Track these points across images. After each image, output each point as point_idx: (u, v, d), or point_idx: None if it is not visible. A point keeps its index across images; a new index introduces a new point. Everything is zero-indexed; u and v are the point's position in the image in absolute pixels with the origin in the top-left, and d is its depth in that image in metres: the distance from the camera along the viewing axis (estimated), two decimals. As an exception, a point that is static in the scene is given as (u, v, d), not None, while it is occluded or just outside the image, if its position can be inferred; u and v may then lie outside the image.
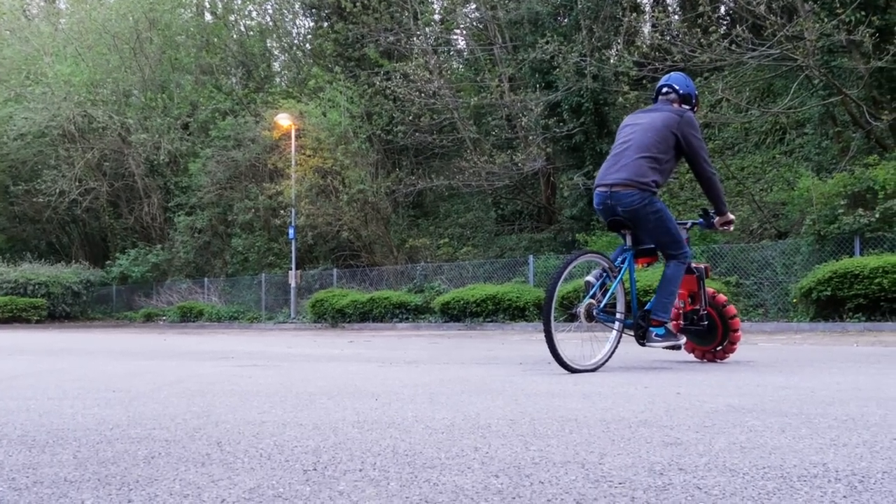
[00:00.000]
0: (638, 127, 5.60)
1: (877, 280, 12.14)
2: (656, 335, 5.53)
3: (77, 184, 31.17)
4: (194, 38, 32.91)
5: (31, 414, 3.37)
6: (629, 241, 5.74)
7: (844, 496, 1.78)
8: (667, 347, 5.59)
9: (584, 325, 5.32)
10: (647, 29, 24.02)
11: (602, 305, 5.42)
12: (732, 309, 6.07)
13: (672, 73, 6.00)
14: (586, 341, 5.41)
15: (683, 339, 5.65)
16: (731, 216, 6.07)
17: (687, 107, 5.79)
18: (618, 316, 5.66)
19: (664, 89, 5.82)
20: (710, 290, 6.06)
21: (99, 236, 36.70)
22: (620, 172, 5.49)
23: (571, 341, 5.29)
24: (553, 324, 5.17)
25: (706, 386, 4.30)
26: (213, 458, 2.32)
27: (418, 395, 4.00)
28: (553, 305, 5.25)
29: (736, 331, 6.06)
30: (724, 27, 19.91)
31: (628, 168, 5.46)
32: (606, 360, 5.57)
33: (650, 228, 5.57)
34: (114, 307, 32.48)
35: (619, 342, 5.68)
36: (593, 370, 5.36)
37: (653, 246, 5.73)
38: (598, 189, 5.63)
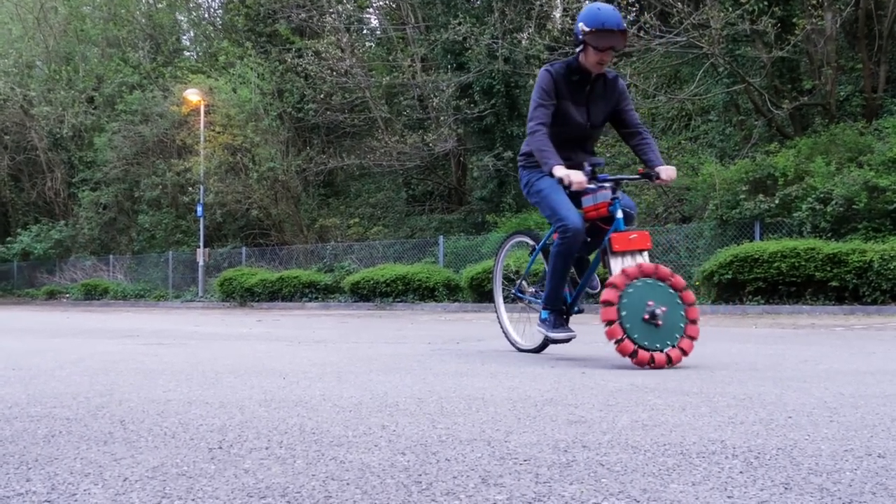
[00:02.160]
0: None
1: (775, 264, 12.54)
2: (539, 320, 4.96)
3: (-25, 157, 30.08)
4: (101, 9, 31.87)
5: (-80, 394, 3.24)
6: None
7: (741, 472, 1.83)
8: (545, 337, 4.91)
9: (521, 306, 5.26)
10: (558, 13, 24.23)
11: (519, 285, 5.38)
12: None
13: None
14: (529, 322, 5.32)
15: (569, 334, 4.82)
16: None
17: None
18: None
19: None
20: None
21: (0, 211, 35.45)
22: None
23: (518, 323, 5.27)
24: (503, 305, 5.13)
25: (611, 366, 4.38)
26: (115, 437, 2.27)
27: (326, 373, 3.98)
28: (499, 285, 5.20)
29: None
30: (633, 14, 20.19)
31: None
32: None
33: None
34: (15, 284, 31.45)
35: None
36: (536, 350, 5.18)
37: None
38: None
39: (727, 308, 13.04)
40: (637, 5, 21.00)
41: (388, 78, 21.52)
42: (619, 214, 4.46)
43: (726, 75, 16.51)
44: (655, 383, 3.53)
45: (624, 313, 4.18)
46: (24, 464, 1.94)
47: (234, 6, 26.85)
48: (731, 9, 14.85)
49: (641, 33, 15.99)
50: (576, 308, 5.03)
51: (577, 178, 4.40)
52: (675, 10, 15.30)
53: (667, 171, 4.60)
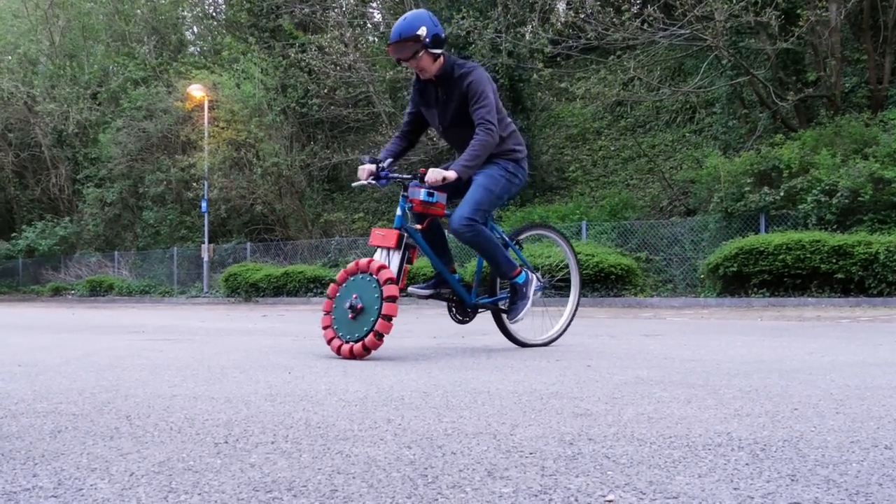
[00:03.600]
0: None
1: (781, 257, 12.52)
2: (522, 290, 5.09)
3: (-20, 154, 30.13)
4: (105, 5, 31.85)
5: (-73, 391, 3.25)
6: None
7: (747, 463, 1.83)
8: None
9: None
10: (561, 7, 24.19)
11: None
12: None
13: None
14: (537, 316, 5.39)
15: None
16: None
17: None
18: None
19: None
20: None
21: (4, 208, 35.41)
22: None
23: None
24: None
25: (616, 359, 4.38)
26: (121, 432, 2.27)
27: (331, 368, 3.98)
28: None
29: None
30: (637, 6, 20.16)
31: None
32: (559, 334, 5.50)
33: None
34: (20, 281, 31.49)
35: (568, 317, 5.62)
36: (545, 344, 5.34)
37: None
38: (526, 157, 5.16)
39: (732, 301, 13.02)
40: (641, -2, 21.00)
41: (391, 72, 21.47)
42: (398, 212, 4.82)
43: (730, 67, 16.46)
44: (661, 376, 3.53)
45: (335, 306, 4.53)
46: (30, 459, 1.94)
47: (238, 2, 26.84)
48: (734, 1, 14.80)
49: (645, 26, 15.95)
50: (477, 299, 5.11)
51: (359, 173, 4.97)
52: (678, 2, 15.25)
53: (432, 174, 4.66)
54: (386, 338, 4.49)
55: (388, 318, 4.32)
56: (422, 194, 4.71)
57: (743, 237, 13.61)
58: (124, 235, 29.55)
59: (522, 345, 5.21)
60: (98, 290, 25.88)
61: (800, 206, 13.55)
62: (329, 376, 3.64)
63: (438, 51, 4.75)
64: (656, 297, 14.55)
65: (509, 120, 5.02)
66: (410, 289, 4.91)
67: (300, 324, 9.29)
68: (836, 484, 1.65)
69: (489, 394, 3.02)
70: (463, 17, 18.92)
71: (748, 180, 14.31)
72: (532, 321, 5.29)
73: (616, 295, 14.67)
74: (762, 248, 12.75)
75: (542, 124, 23.15)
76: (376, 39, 27.91)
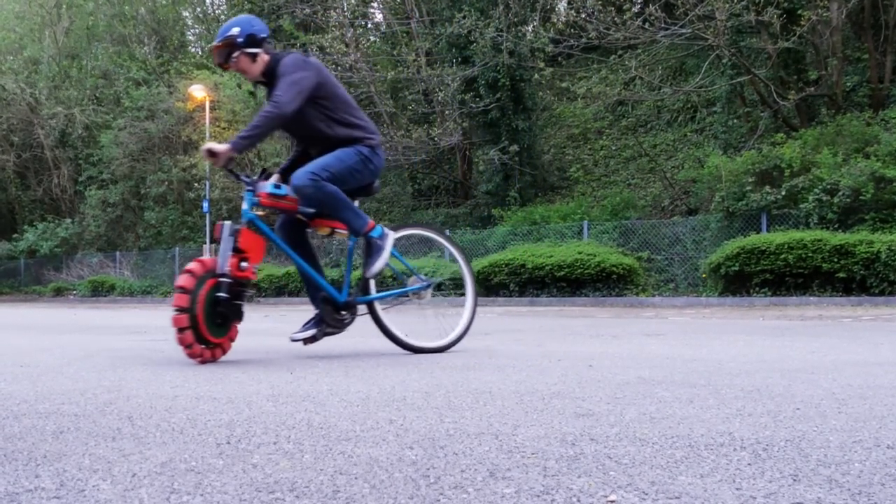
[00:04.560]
0: None
1: (782, 256, 12.52)
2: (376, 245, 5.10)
3: (-18, 155, 30.16)
4: (107, 6, 31.87)
5: (-71, 392, 3.25)
6: None
7: (749, 463, 1.83)
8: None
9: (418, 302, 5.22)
10: (562, 6, 24.18)
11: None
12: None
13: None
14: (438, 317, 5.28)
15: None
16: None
17: None
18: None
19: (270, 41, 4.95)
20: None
21: (6, 208, 35.46)
22: None
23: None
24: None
25: (618, 359, 4.38)
26: (123, 433, 2.27)
27: (333, 368, 3.98)
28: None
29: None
30: (638, 6, 20.16)
31: None
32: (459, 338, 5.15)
33: None
34: (22, 281, 31.51)
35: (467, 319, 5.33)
36: (439, 350, 5.01)
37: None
38: (381, 144, 5.03)
39: (734, 300, 13.02)
40: (642, -3, 20.97)
41: (392, 72, 21.49)
42: (244, 205, 4.68)
43: (731, 67, 16.46)
44: (663, 376, 3.53)
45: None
46: (32, 460, 1.94)
47: (238, 2, 26.82)
48: (735, 0, 14.80)
49: (647, 25, 15.95)
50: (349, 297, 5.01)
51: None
52: (679, 1, 15.25)
53: (205, 146, 4.59)
54: (386, 337, 4.53)
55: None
56: (268, 187, 4.67)
57: (744, 236, 13.62)
58: (126, 236, 29.57)
59: (410, 348, 4.91)
60: (100, 291, 25.89)
61: (801, 206, 13.55)
62: (331, 376, 3.64)
63: (255, 50, 4.70)
64: (658, 296, 14.55)
65: (359, 111, 4.96)
66: (292, 336, 4.82)
67: (301, 324, 9.28)
68: (839, 484, 1.65)
69: (491, 394, 3.02)
70: (464, 17, 18.94)
71: (749, 179, 14.31)
72: (426, 326, 5.22)
73: (618, 294, 14.68)
74: (764, 248, 12.75)
75: (543, 124, 23.16)
76: (377, 39, 27.94)
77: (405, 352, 4.91)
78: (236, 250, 4.48)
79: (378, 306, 4.98)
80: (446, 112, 20.89)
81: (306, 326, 4.86)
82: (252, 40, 4.69)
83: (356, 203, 4.98)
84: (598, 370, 3.80)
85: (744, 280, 13.20)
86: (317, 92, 4.72)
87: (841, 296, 12.25)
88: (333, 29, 21.78)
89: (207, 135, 23.80)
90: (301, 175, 4.57)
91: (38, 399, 3.00)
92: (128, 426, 2.39)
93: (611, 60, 20.99)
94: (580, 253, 15.11)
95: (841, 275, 12.19)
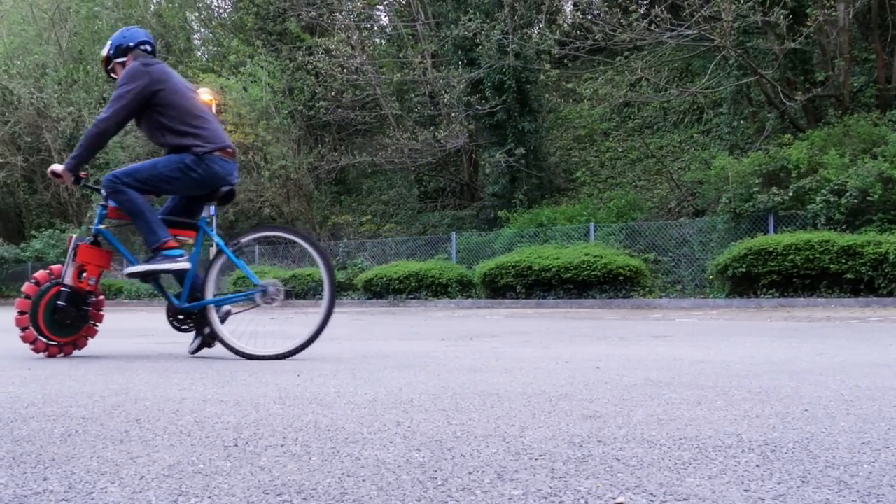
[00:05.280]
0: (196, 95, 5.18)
1: (790, 257, 12.49)
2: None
3: (-10, 158, 30.22)
4: (113, 9, 31.93)
5: (-62, 395, 3.26)
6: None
7: (757, 465, 1.82)
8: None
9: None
10: (568, 8, 24.20)
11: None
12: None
13: (132, 27, 5.27)
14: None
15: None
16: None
17: None
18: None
19: (148, 48, 5.14)
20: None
21: (14, 212, 35.51)
22: (228, 139, 5.10)
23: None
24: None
25: (625, 361, 4.37)
26: (131, 436, 2.28)
27: (340, 370, 3.98)
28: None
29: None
30: (644, 7, 20.14)
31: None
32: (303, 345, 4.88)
33: None
34: (29, 284, 31.54)
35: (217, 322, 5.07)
36: (279, 357, 4.81)
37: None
38: (226, 151, 5.00)
39: (741, 301, 12.99)
40: (648, -1, 20.95)
41: (398, 75, 21.50)
42: (96, 219, 5.08)
43: (737, 68, 16.43)
44: (670, 378, 3.52)
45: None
46: (41, 463, 1.95)
47: (244, 5, 26.89)
48: (742, 1, 14.78)
49: (653, 27, 15.94)
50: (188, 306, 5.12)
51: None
52: (686, 2, 15.24)
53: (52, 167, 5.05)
54: (395, 340, 4.50)
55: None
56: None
57: (752, 238, 13.60)
58: (133, 238, 29.61)
59: (244, 356, 4.81)
60: (107, 294, 25.93)
61: (808, 207, 13.52)
62: (338, 379, 3.64)
63: (123, 59, 5.04)
64: (665, 298, 14.53)
65: (200, 119, 4.97)
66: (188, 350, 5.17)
67: (308, 326, 9.27)
68: (848, 486, 1.64)
69: (498, 396, 3.02)
70: (470, 19, 18.94)
71: (756, 180, 14.29)
72: (275, 331, 5.19)
73: (625, 296, 14.66)
74: (771, 249, 12.72)
75: (549, 126, 23.16)
76: (383, 42, 27.96)
77: (422, 354, 4.90)
78: (76, 263, 4.95)
79: (213, 313, 5.02)
80: (452, 114, 20.90)
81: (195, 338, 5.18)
82: (119, 50, 5.05)
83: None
84: (605, 372, 3.79)
85: (751, 281, 13.17)
86: (151, 100, 4.88)
87: (849, 297, 12.22)
88: (339, 31, 21.81)
89: (214, 138, 23.79)
90: (106, 177, 4.88)
91: (45, 402, 3.00)
92: (135, 429, 2.40)
93: (617, 62, 20.99)
94: (587, 255, 15.09)
95: (849, 276, 12.16)
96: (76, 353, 5.13)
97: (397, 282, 17.69)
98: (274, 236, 5.39)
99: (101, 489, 1.69)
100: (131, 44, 5.04)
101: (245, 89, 23.72)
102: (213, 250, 5.16)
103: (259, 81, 23.59)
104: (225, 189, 5.05)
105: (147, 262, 4.97)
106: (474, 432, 2.27)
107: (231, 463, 1.91)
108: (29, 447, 2.14)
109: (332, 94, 22.45)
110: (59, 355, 4.96)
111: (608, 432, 2.25)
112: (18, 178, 32.49)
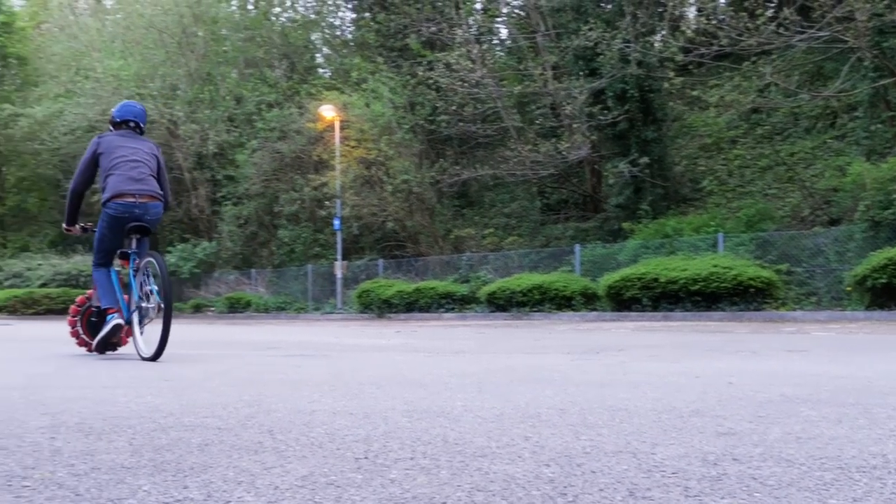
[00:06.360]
0: (140, 151, 6.34)
1: (936, 267, 11.89)
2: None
3: (126, 178, 31.58)
4: (238, 32, 33.07)
5: (86, 402, 3.41)
6: (135, 245, 6.36)
7: (906, 487, 1.73)
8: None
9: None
10: (692, 13, 23.74)
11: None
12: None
13: (130, 103, 6.80)
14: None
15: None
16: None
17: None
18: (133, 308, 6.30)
19: (132, 123, 6.54)
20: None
21: (150, 229, 37.08)
22: (146, 185, 6.25)
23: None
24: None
25: (759, 376, 4.24)
26: (265, 446, 2.33)
27: (466, 384, 3.99)
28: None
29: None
30: (772, 10, 19.55)
31: (151, 183, 6.30)
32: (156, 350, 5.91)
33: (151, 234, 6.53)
34: (164, 298, 32.82)
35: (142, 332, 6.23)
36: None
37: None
38: (124, 199, 6.11)
39: (882, 314, 12.43)
40: (776, 0, 20.37)
41: (519, 87, 21.50)
42: None
43: (873, 69, 15.77)
44: (807, 394, 3.40)
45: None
46: (180, 471, 2.01)
47: (365, 22, 27.41)
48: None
49: (781, 30, 15.47)
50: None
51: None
52: (816, 3, 14.74)
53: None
54: (520, 354, 4.49)
55: None
56: None
57: (892, 247, 12.99)
58: (260, 253, 30.50)
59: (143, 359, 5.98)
60: (236, 307, 26.77)
61: (953, 213, 12.86)
62: (464, 392, 3.64)
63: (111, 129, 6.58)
64: (799, 310, 14.02)
65: (112, 173, 6.17)
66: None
67: (432, 339, 9.37)
68: None
69: (627, 411, 2.97)
70: (590, 29, 18.81)
71: (896, 187, 13.67)
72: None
73: (756, 309, 14.22)
74: (914, 258, 12.14)
75: (674, 134, 22.74)
76: (503, 55, 28.03)
77: (527, 368, 4.87)
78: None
79: (135, 325, 6.18)
80: (574, 125, 20.74)
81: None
82: (112, 122, 6.56)
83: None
84: (738, 387, 3.68)
85: (893, 293, 12.59)
86: (98, 164, 6.27)
87: None
88: (459, 46, 21.98)
89: (337, 154, 24.35)
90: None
91: (183, 412, 3.11)
92: (269, 440, 2.45)
93: (744, 67, 20.41)
94: (715, 266, 14.71)
95: None
96: (178, 360, 5.87)
97: (520, 294, 17.64)
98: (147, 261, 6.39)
99: (238, 498, 1.73)
100: (113, 118, 6.51)
101: (367, 105, 24.16)
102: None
103: (381, 97, 23.99)
104: (134, 224, 6.20)
105: (100, 327, 6.36)
106: (604, 448, 2.24)
107: (362, 475, 1.94)
108: (169, 456, 2.22)
109: (453, 108, 22.61)
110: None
111: (743, 450, 2.18)
112: (154, 196, 33.86)
